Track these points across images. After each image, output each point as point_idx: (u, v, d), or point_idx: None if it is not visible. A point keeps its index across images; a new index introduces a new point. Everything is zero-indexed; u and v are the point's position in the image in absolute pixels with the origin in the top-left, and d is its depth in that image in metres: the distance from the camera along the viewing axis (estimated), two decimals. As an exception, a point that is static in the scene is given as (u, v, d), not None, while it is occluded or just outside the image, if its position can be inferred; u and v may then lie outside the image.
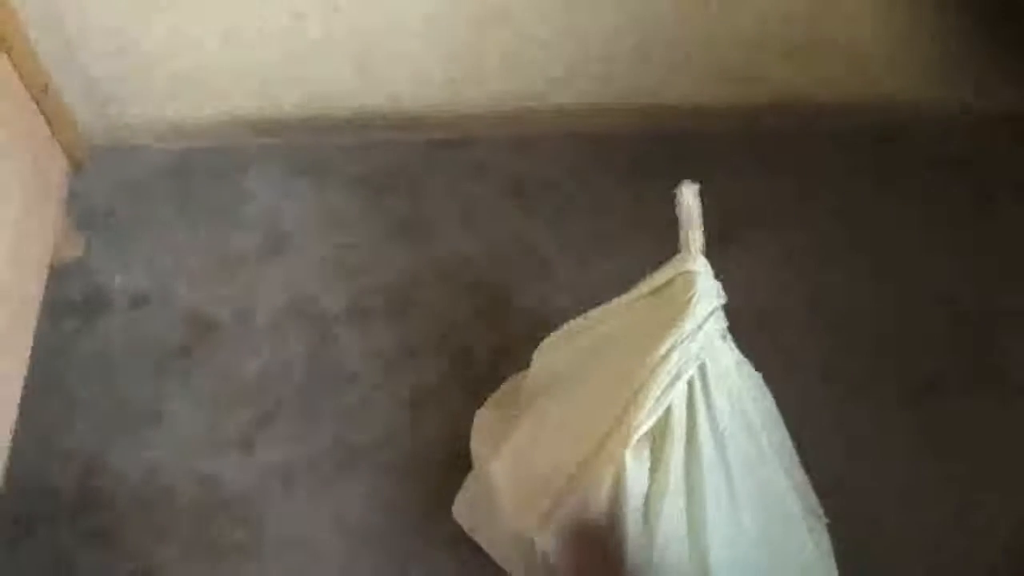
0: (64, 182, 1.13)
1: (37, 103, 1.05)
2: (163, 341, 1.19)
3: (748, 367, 0.90)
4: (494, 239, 1.28)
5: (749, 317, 0.91)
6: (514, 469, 0.92)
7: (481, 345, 1.19)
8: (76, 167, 1.15)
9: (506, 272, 1.26)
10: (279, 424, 1.14)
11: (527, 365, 0.99)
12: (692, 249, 0.82)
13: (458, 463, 1.04)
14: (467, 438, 1.03)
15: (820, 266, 1.25)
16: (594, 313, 0.93)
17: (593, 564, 0.90)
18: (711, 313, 0.81)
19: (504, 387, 1.07)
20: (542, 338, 0.99)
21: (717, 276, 0.84)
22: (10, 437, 0.98)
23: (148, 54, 1.26)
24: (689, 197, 0.81)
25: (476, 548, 1.04)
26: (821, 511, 1.00)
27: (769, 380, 0.95)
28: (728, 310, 0.85)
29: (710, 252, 0.83)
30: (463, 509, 1.05)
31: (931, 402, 1.16)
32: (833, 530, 1.00)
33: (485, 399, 1.08)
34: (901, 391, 1.17)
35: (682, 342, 0.80)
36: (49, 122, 1.07)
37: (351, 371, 1.18)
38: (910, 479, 1.11)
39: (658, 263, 0.86)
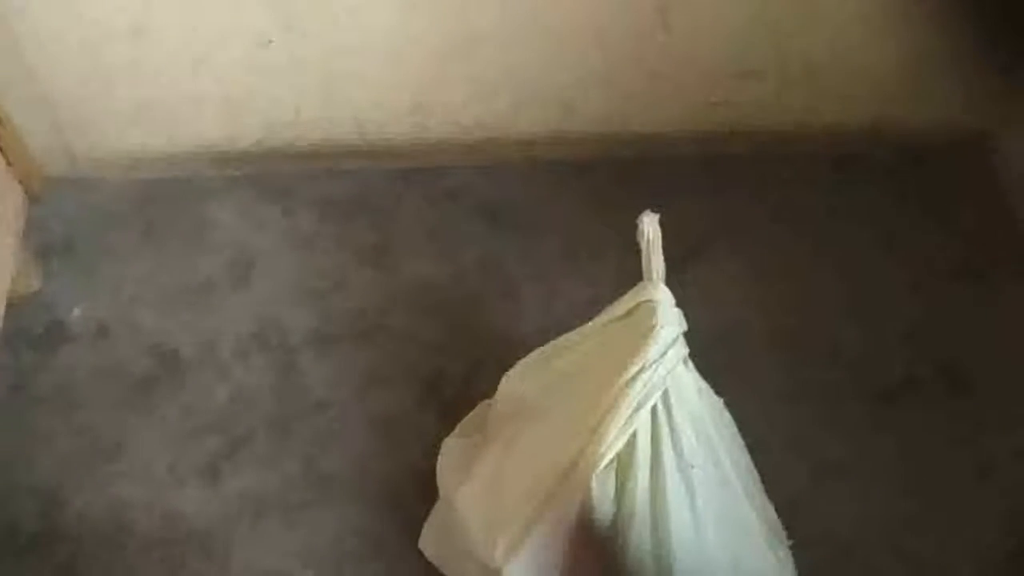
0: (21, 214, 1.12)
1: (-9, 135, 1.04)
2: (126, 373, 1.17)
3: (710, 392, 0.92)
4: (461, 264, 1.28)
5: (711, 336, 0.93)
6: (481, 498, 0.92)
7: (451, 369, 1.19)
8: (33, 198, 1.14)
9: (474, 297, 1.26)
10: (247, 454, 1.13)
11: (496, 390, 0.99)
12: (654, 278, 0.83)
13: (430, 489, 1.04)
14: (437, 464, 1.02)
15: (780, 286, 1.27)
16: (558, 341, 0.93)
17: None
18: (673, 341, 0.83)
19: (471, 416, 1.07)
20: (512, 362, 0.99)
21: (679, 299, 0.85)
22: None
23: (109, 83, 1.25)
24: (650, 227, 0.82)
25: (447, 577, 1.03)
26: (784, 532, 1.01)
27: (731, 398, 0.96)
28: (691, 330, 0.86)
29: (673, 274, 0.85)
30: (430, 540, 1.04)
31: (893, 417, 1.17)
32: (796, 550, 1.00)
33: (456, 424, 1.08)
34: (863, 407, 1.18)
35: (646, 370, 0.81)
36: (4, 154, 1.06)
37: (320, 398, 1.17)
38: (873, 496, 1.11)
39: (623, 286, 0.87)
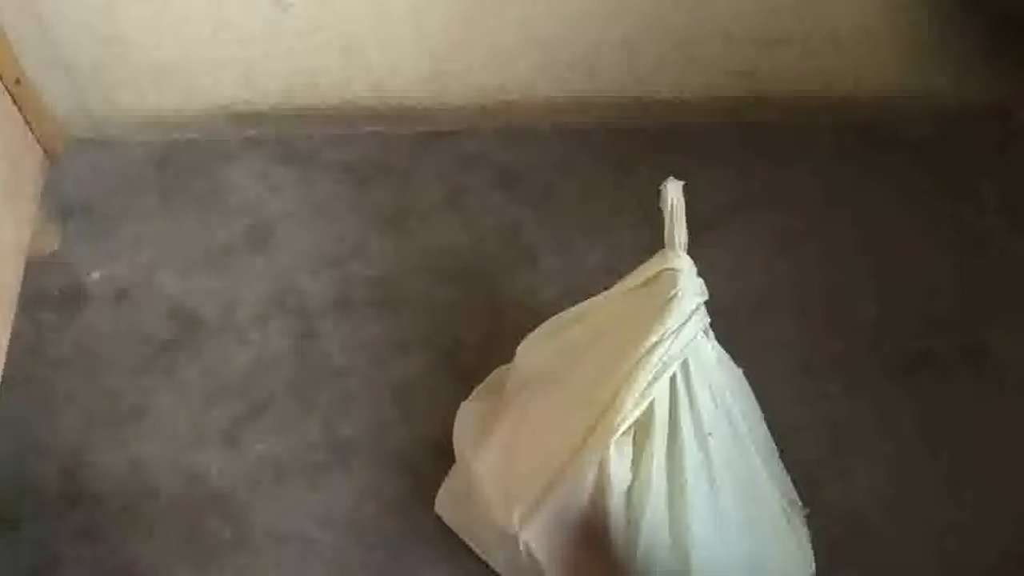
0: (40, 175, 1.12)
1: (11, 95, 1.03)
2: (145, 335, 1.18)
3: (729, 362, 0.91)
4: (481, 230, 1.27)
5: (731, 305, 0.92)
6: (497, 464, 0.93)
7: (469, 336, 1.19)
8: (53, 159, 1.14)
9: (493, 263, 1.25)
10: (267, 418, 1.13)
11: (513, 357, 0.99)
12: (676, 245, 0.82)
13: (448, 455, 1.04)
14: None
15: (802, 254, 1.26)
16: (578, 308, 0.93)
17: (579, 557, 0.90)
18: (694, 310, 0.82)
19: (488, 381, 1.07)
20: (530, 329, 0.99)
21: (701, 268, 0.84)
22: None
23: (128, 44, 1.25)
24: (674, 194, 0.81)
25: (464, 541, 1.03)
26: (799, 501, 1.01)
27: (750, 367, 0.95)
28: (713, 298, 0.85)
29: (695, 241, 0.83)
30: (446, 503, 1.04)
31: (915, 387, 1.16)
32: (813, 520, 1.00)
33: (473, 390, 1.08)
34: (884, 376, 1.17)
35: (665, 339, 0.81)
36: (24, 114, 1.06)
37: (339, 364, 1.17)
38: (892, 467, 1.11)
39: (643, 254, 0.86)
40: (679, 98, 1.36)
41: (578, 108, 1.37)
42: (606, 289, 0.91)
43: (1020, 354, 1.18)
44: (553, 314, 0.97)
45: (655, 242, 0.85)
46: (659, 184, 0.82)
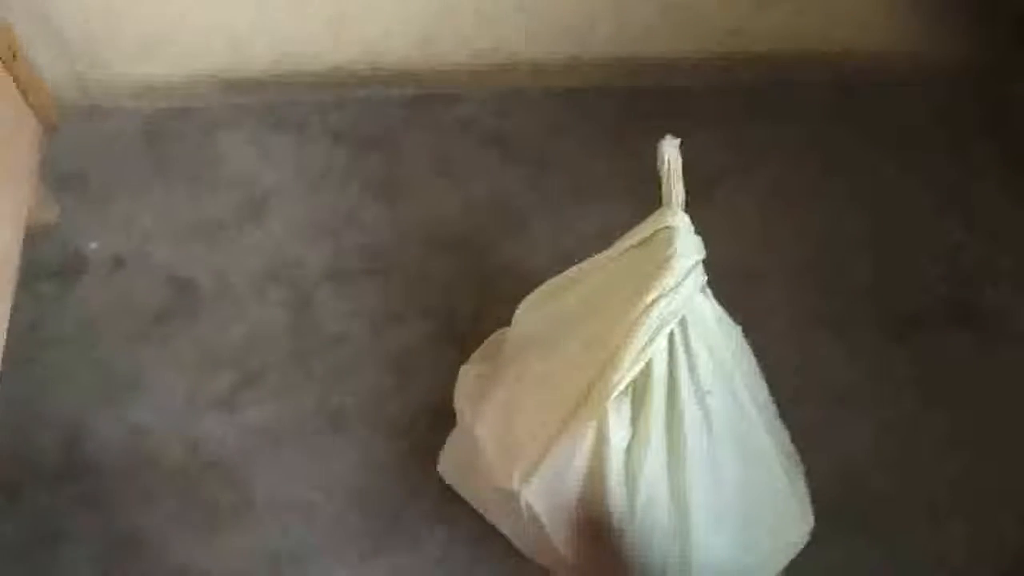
0: (37, 146, 1.12)
1: (7, 68, 1.03)
2: (143, 305, 1.18)
3: (727, 320, 0.91)
4: (474, 196, 1.27)
5: (729, 264, 0.92)
6: (497, 424, 0.93)
7: (464, 302, 1.19)
8: (49, 131, 1.14)
9: (487, 229, 1.25)
10: (264, 386, 1.14)
11: (510, 321, 1.00)
12: (673, 204, 0.82)
13: (444, 420, 1.05)
14: (452, 395, 1.03)
15: (800, 214, 1.26)
16: (576, 269, 0.93)
17: (580, 515, 0.91)
18: (692, 268, 0.82)
19: (487, 343, 1.08)
20: (524, 294, 0.99)
21: (698, 228, 0.84)
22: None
23: (120, 14, 1.24)
24: (671, 152, 0.81)
25: (464, 502, 1.04)
26: (797, 457, 1.01)
27: (748, 326, 0.96)
28: (711, 258, 0.85)
29: (692, 203, 0.84)
30: (447, 465, 1.06)
31: (912, 345, 1.17)
32: (811, 477, 1.01)
33: (469, 356, 1.09)
34: (880, 336, 1.18)
35: (663, 297, 0.81)
36: (20, 87, 1.05)
37: (334, 331, 1.18)
38: (890, 424, 1.12)
39: (638, 217, 0.86)
40: (672, 59, 1.36)
41: (570, 70, 1.36)
42: (600, 252, 0.91)
43: (1016, 314, 1.20)
44: (546, 280, 0.97)
45: (648, 206, 0.85)
46: (652, 147, 0.82)
